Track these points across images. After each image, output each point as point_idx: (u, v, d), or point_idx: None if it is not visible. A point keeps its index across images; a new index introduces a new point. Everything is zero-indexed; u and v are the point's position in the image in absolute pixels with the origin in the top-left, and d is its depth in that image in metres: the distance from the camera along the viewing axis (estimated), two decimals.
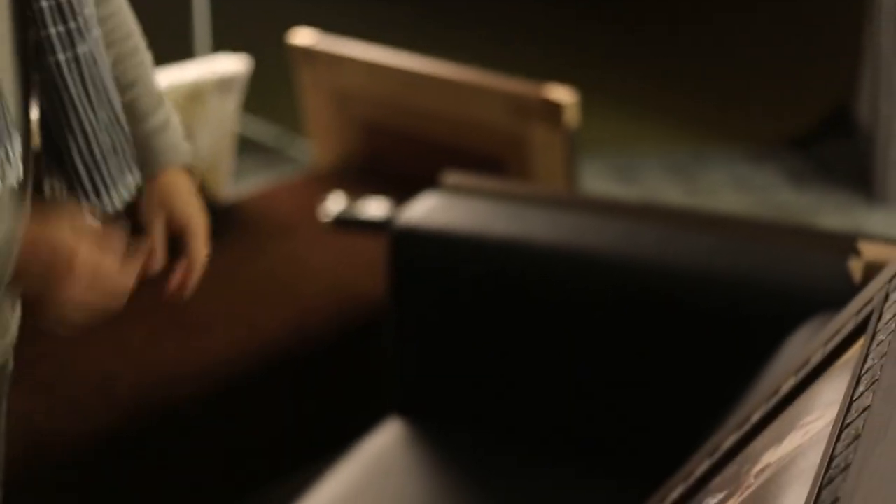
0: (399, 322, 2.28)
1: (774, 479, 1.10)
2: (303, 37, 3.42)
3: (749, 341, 1.87)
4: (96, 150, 1.43)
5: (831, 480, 0.93)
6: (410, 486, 2.09)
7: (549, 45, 6.27)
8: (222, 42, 4.35)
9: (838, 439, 1.00)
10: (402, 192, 2.87)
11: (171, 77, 2.95)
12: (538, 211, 2.23)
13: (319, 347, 2.66)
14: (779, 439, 1.19)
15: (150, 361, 2.46)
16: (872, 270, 1.73)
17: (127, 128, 1.48)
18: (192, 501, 2.50)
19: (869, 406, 1.01)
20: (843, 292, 1.55)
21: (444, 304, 2.23)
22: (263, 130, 4.83)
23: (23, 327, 2.36)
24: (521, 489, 2.06)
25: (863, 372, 1.10)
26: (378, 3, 6.67)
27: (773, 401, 1.31)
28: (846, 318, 1.29)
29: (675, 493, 1.41)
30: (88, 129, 1.42)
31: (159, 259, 1.56)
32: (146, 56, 1.60)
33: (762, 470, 1.16)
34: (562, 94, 2.93)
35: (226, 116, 3.09)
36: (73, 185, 1.44)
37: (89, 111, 1.41)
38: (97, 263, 1.35)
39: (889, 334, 1.12)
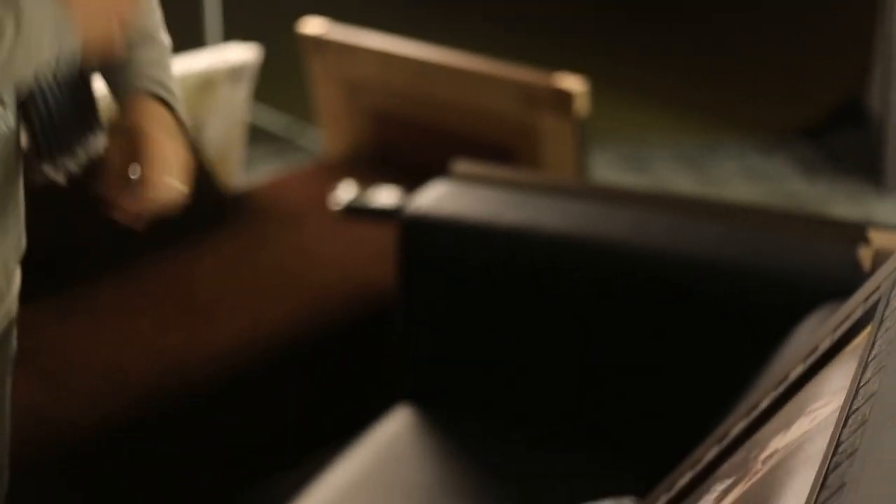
0: (409, 309, 2.28)
1: (782, 464, 1.10)
2: (313, 26, 3.43)
3: (758, 329, 1.87)
4: (54, 112, 1.43)
5: (838, 466, 0.93)
6: (420, 472, 2.10)
7: (560, 34, 6.27)
8: (233, 31, 4.35)
9: (845, 425, 1.00)
10: (412, 180, 2.88)
11: (182, 66, 2.96)
12: (547, 199, 2.24)
13: (330, 335, 2.67)
14: (787, 425, 1.20)
15: (159, 350, 2.46)
16: (881, 258, 1.73)
17: (94, 90, 1.48)
18: (201, 489, 2.50)
19: (876, 392, 1.01)
20: (852, 280, 1.55)
21: (454, 291, 2.23)
22: (275, 120, 4.84)
23: (31, 318, 2.37)
24: (530, 476, 2.06)
25: (870, 358, 1.10)
26: None
27: (782, 387, 1.31)
28: (854, 306, 1.29)
29: (684, 480, 1.41)
30: (46, 90, 1.42)
31: (110, 182, 1.51)
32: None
33: (770, 456, 1.16)
34: (572, 83, 2.93)
35: (236, 105, 3.10)
36: (33, 143, 1.44)
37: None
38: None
39: None
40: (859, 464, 0.91)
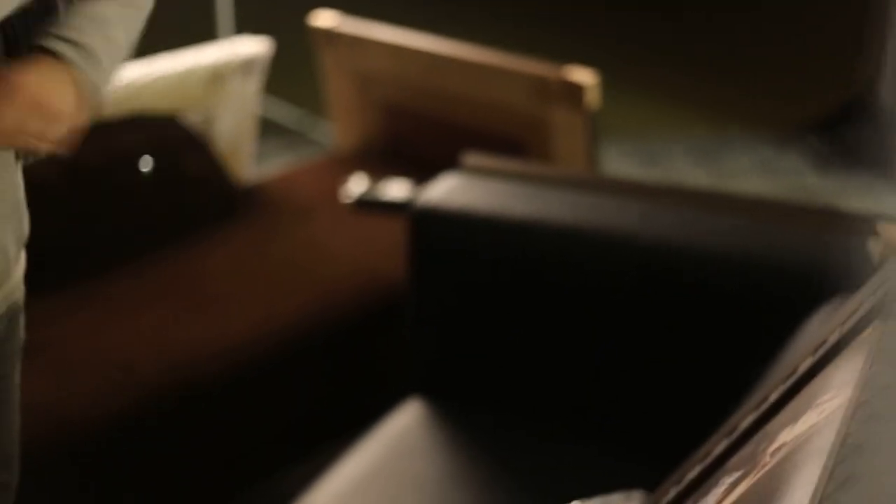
0: (419, 302, 2.28)
1: (789, 457, 1.10)
2: (325, 19, 3.43)
3: (768, 322, 1.87)
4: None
5: (845, 458, 0.93)
6: (431, 465, 2.10)
7: (573, 28, 6.26)
8: (245, 24, 4.35)
9: (853, 418, 1.00)
10: (423, 173, 2.88)
11: (193, 59, 2.96)
12: (557, 192, 2.24)
13: (341, 328, 2.67)
14: (795, 419, 1.20)
15: (171, 344, 2.47)
16: (891, 252, 1.72)
17: None
18: (213, 482, 2.51)
19: (884, 385, 1.01)
20: (862, 274, 1.55)
21: (464, 284, 2.23)
22: (287, 113, 4.84)
23: (40, 313, 2.38)
24: (540, 468, 2.07)
25: (878, 352, 1.10)
26: None
27: (790, 381, 1.31)
28: (863, 299, 1.29)
29: (694, 473, 1.41)
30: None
31: None
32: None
33: (778, 449, 1.16)
34: (583, 76, 2.93)
35: (247, 98, 3.10)
36: None
37: None
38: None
39: None
40: (866, 456, 0.91)
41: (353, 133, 3.51)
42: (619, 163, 4.70)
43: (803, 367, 1.30)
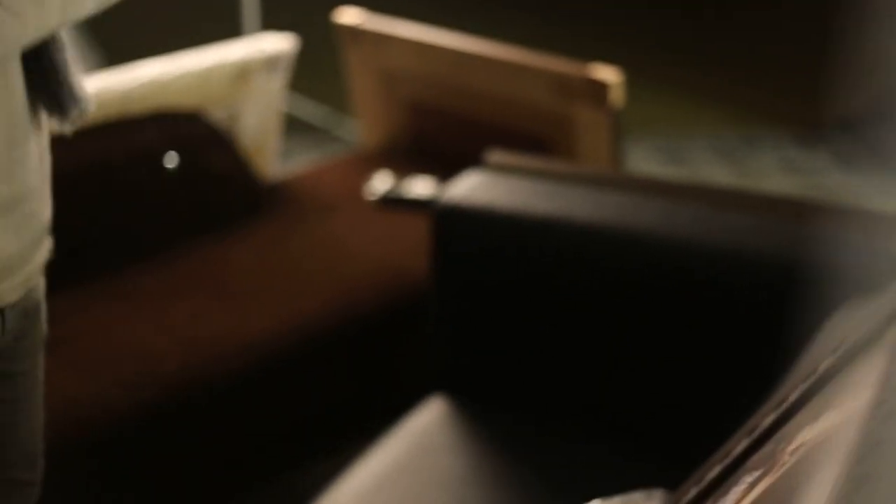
0: (442, 300, 2.28)
1: (809, 456, 1.10)
2: (349, 16, 3.43)
3: (789, 322, 1.86)
4: (60, 59, 1.47)
5: (863, 457, 0.93)
6: (452, 463, 2.10)
7: (598, 26, 6.26)
8: (271, 21, 4.36)
9: (872, 417, 1.00)
10: (448, 171, 2.88)
11: (218, 56, 2.97)
12: (580, 190, 2.24)
13: (364, 325, 2.68)
14: (815, 418, 1.20)
15: (193, 338, 2.48)
16: None
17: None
18: (236, 477, 2.52)
19: None
20: (884, 274, 1.54)
21: (487, 281, 2.23)
22: (313, 111, 4.85)
23: (66, 305, 2.39)
24: (560, 467, 2.07)
25: None
26: None
27: (811, 380, 1.31)
28: (885, 300, 1.29)
29: (714, 472, 1.41)
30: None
31: None
32: None
33: (797, 448, 1.16)
34: (607, 74, 2.93)
35: (272, 95, 3.11)
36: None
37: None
38: None
39: None
40: (885, 455, 0.91)
41: (378, 130, 3.51)
42: (644, 161, 4.70)
43: (824, 366, 1.30)
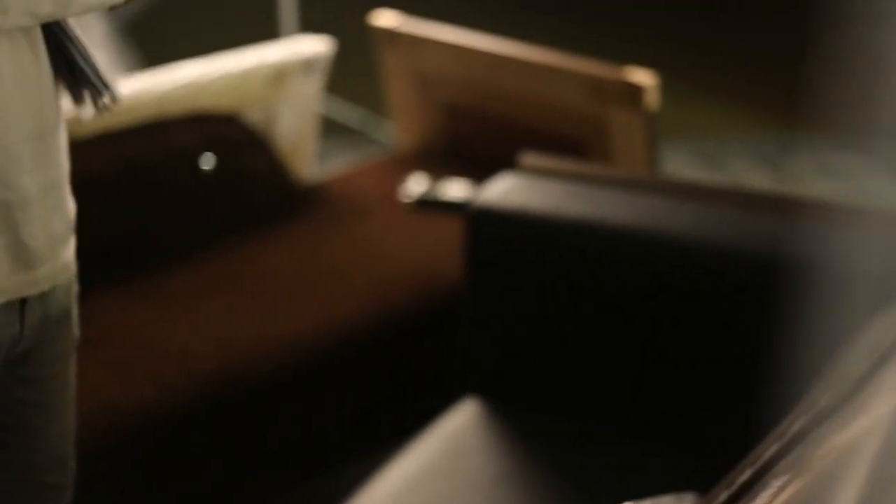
0: (475, 302, 2.29)
1: (837, 461, 1.10)
2: (386, 19, 3.44)
3: (823, 327, 1.86)
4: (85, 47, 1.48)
5: (889, 461, 0.93)
6: (485, 465, 2.11)
7: (635, 30, 6.25)
8: (309, 23, 4.38)
9: None
10: (483, 173, 2.88)
11: (255, 58, 2.98)
12: (614, 192, 2.23)
13: (398, 327, 2.68)
14: (845, 423, 1.19)
15: (228, 339, 2.49)
16: None
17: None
18: (268, 477, 2.53)
19: None
20: None
21: (520, 284, 2.23)
22: (350, 113, 4.86)
23: (101, 305, 2.41)
24: (593, 469, 2.07)
25: None
26: None
27: (842, 385, 1.31)
28: None
29: (744, 476, 1.41)
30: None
31: None
32: None
33: (826, 452, 1.16)
34: (641, 77, 2.92)
35: (309, 98, 3.12)
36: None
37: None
38: None
39: None
40: None
41: (414, 133, 3.52)
42: (681, 165, 4.69)
43: (856, 371, 1.30)
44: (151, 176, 2.79)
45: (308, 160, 3.22)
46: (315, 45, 3.10)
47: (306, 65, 3.07)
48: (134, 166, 2.73)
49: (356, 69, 4.22)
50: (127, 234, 2.72)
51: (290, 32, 4.38)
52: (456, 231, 2.68)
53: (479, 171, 3.05)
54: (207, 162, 2.86)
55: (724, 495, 1.43)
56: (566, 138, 3.11)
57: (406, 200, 3.09)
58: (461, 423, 2.21)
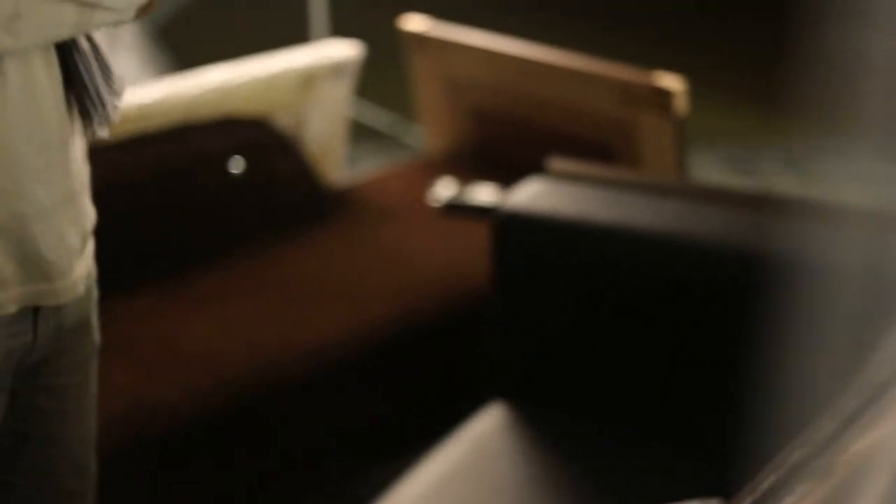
0: (502, 306, 2.29)
1: (860, 466, 1.09)
2: (415, 23, 3.44)
3: (855, 334, 1.85)
4: (96, 62, 1.48)
5: None
6: (512, 469, 2.11)
7: (666, 35, 6.23)
8: (340, 28, 4.38)
9: None
10: (512, 178, 2.88)
11: (284, 62, 2.99)
12: (642, 197, 2.23)
13: (426, 331, 2.69)
14: (868, 428, 1.19)
15: (256, 341, 2.50)
16: None
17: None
18: (295, 480, 2.53)
19: None
20: None
21: (547, 289, 2.23)
22: (381, 117, 4.87)
23: (130, 307, 2.42)
24: (620, 473, 2.07)
25: None
26: None
27: (868, 391, 1.30)
28: None
29: (769, 482, 1.41)
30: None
31: None
32: None
33: (850, 458, 1.15)
34: (670, 82, 2.92)
35: (338, 102, 3.12)
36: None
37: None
38: None
39: None
40: None
41: (443, 137, 3.52)
42: (712, 170, 4.67)
43: (879, 375, 1.29)
44: (181, 180, 2.80)
45: (337, 164, 3.23)
46: (344, 50, 3.11)
47: (336, 69, 3.07)
48: (163, 170, 2.74)
49: (386, 73, 4.23)
50: (156, 237, 2.73)
51: (320, 36, 4.39)
52: (483, 235, 2.68)
53: (508, 176, 3.05)
54: (236, 166, 2.87)
55: (748, 500, 1.42)
56: (594, 143, 3.11)
57: (434, 205, 3.10)
58: (488, 426, 2.21)
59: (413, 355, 2.68)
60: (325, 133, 3.12)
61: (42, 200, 1.42)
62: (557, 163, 2.41)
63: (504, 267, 2.27)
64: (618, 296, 2.16)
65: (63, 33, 1.40)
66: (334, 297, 2.68)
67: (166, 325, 2.52)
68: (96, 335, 1.61)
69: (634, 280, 2.14)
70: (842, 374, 1.69)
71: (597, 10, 6.61)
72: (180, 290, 2.66)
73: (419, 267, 2.82)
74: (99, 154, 2.34)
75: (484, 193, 3.07)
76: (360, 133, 4.33)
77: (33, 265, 1.44)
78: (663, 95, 2.91)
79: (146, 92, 2.77)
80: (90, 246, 1.55)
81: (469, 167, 3.31)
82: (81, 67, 1.45)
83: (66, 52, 1.44)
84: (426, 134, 3.62)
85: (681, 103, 2.91)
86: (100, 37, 1.49)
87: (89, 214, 1.54)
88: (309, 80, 3.02)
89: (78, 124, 1.48)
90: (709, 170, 4.65)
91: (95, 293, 1.60)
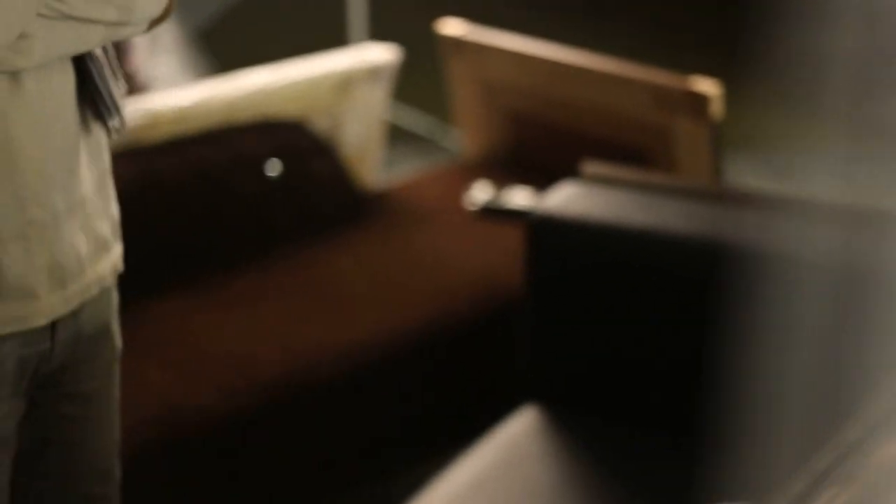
0: (536, 309, 2.29)
1: (888, 471, 1.10)
2: (452, 27, 3.46)
3: (888, 340, 1.85)
4: (109, 68, 1.49)
5: None
6: (544, 472, 2.11)
7: (702, 39, 6.22)
8: (378, 31, 4.40)
9: None
10: (548, 182, 2.89)
11: (322, 66, 3.01)
12: (675, 201, 2.24)
13: (460, 334, 2.69)
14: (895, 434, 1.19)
15: (289, 343, 2.51)
16: None
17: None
18: (328, 481, 2.54)
19: None
20: None
21: (580, 292, 2.24)
22: (418, 121, 4.88)
23: (162, 308, 2.43)
24: (653, 476, 2.07)
25: None
26: None
27: (893, 396, 1.31)
28: None
29: (798, 486, 1.41)
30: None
31: None
32: None
33: (878, 463, 1.16)
34: (706, 86, 2.92)
35: (375, 105, 3.14)
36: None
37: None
38: None
39: None
40: None
41: (479, 141, 3.53)
42: (750, 175, 4.66)
43: None
44: (218, 182, 2.82)
45: (374, 167, 3.24)
46: (382, 53, 3.12)
47: (373, 72, 3.09)
48: (202, 172, 2.76)
49: (423, 77, 4.24)
50: (194, 238, 2.75)
51: (358, 40, 4.40)
52: (518, 239, 2.69)
53: (544, 180, 3.06)
54: (274, 168, 2.89)
55: None
56: (630, 147, 3.11)
57: (470, 208, 3.11)
58: (521, 429, 2.21)
59: (447, 358, 2.69)
60: (362, 136, 3.14)
61: (57, 206, 1.43)
62: (592, 167, 2.41)
63: (538, 270, 2.28)
64: (651, 299, 2.17)
65: (85, 48, 1.42)
66: (369, 300, 2.70)
67: (201, 326, 2.54)
68: (118, 341, 1.60)
69: (667, 284, 2.15)
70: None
71: (632, 12, 6.61)
72: (215, 291, 2.67)
73: (454, 270, 2.82)
74: (138, 156, 2.38)
75: (519, 197, 3.08)
76: (397, 136, 4.35)
77: (53, 273, 1.44)
78: (699, 99, 2.91)
79: (185, 95, 2.79)
80: (105, 250, 1.54)
81: (505, 171, 3.32)
82: (95, 74, 1.46)
83: (80, 59, 1.45)
84: (463, 137, 3.63)
85: (717, 107, 2.91)
86: (138, 41, 1.51)
87: (107, 217, 1.54)
88: (347, 83, 3.03)
89: (93, 129, 1.49)
90: (745, 175, 4.64)
91: (115, 299, 1.59)
